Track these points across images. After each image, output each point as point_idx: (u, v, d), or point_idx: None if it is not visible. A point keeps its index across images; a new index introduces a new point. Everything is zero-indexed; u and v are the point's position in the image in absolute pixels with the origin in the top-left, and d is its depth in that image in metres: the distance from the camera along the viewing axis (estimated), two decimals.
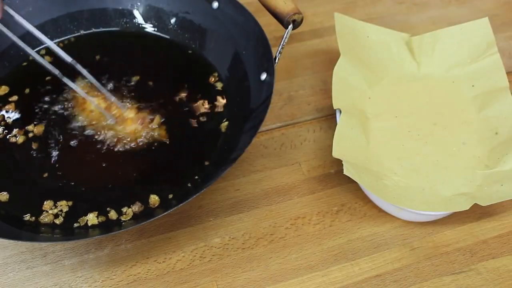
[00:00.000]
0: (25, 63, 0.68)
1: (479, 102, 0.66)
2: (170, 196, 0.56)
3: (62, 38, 0.70)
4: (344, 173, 0.55)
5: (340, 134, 0.60)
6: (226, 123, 0.62)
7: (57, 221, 0.54)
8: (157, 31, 0.71)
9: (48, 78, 0.66)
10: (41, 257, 0.55)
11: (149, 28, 0.71)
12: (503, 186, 0.56)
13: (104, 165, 0.59)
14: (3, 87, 0.66)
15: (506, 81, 0.66)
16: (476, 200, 0.55)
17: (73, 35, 0.71)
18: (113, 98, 0.63)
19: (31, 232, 0.54)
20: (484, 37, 0.69)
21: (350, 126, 0.61)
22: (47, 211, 0.55)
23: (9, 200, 0.56)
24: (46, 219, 0.54)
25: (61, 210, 0.55)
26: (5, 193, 0.57)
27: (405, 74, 0.70)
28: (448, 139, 0.63)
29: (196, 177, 0.58)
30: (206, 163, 0.59)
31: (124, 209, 0.55)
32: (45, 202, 0.56)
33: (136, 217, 0.55)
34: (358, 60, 0.68)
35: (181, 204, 0.50)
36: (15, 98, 0.65)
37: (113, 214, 0.55)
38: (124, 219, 0.54)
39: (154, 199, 0.56)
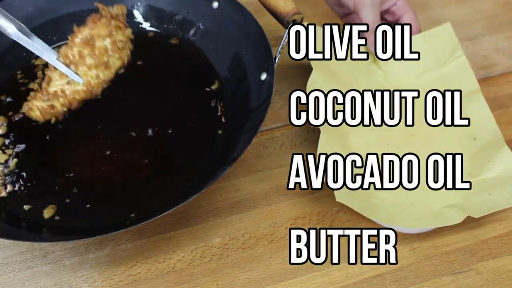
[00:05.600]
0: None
1: None
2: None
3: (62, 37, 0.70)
4: (336, 200, 0.53)
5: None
6: (225, 122, 0.62)
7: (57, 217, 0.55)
8: (157, 31, 0.71)
9: None
10: (41, 257, 0.55)
11: (149, 28, 0.71)
12: (491, 195, 0.56)
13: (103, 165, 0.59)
14: None
15: (476, 84, 0.64)
16: (467, 212, 0.54)
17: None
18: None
19: (31, 232, 0.54)
20: (448, 41, 0.67)
21: (331, 145, 0.58)
22: None
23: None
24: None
25: None
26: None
27: (372, 84, 0.67)
28: (427, 149, 0.61)
29: (196, 177, 0.58)
30: (206, 162, 0.59)
31: None
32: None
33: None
34: (330, 73, 0.64)
35: (181, 204, 0.50)
36: None
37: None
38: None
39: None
